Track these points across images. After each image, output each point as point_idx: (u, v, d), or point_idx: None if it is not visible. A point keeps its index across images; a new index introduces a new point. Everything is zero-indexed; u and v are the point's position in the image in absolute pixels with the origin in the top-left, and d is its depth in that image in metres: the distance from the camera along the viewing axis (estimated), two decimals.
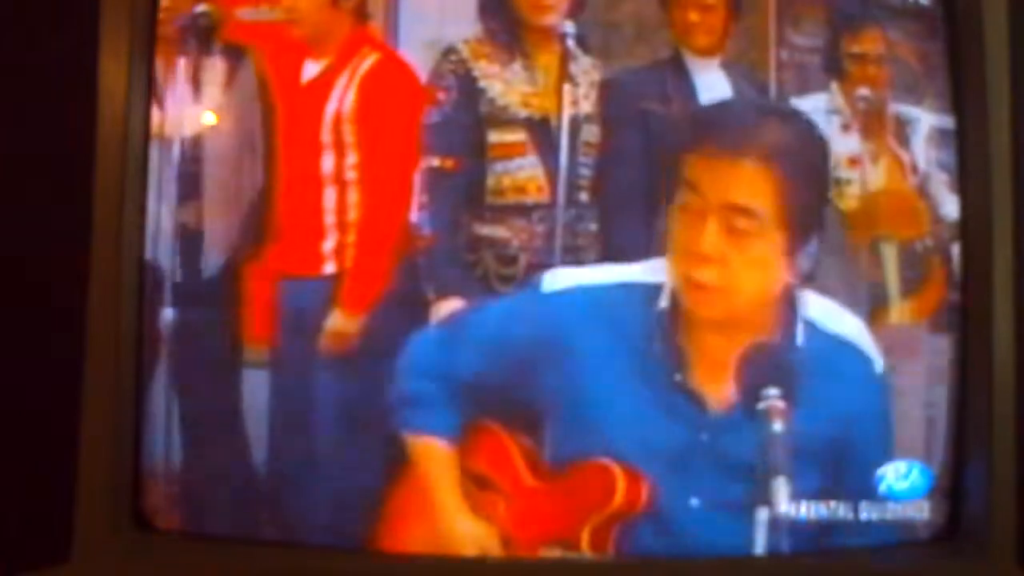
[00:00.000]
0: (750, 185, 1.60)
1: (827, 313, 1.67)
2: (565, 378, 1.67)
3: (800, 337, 1.65)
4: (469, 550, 1.69)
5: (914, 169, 1.77)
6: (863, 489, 1.66)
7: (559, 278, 1.72)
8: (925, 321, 1.75)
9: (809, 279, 1.65)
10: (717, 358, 1.64)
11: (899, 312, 1.77)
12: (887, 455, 1.68)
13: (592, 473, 1.66)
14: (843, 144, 1.79)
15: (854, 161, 1.79)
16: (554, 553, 1.67)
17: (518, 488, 1.70)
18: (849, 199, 1.79)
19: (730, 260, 1.61)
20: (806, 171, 1.65)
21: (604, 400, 1.66)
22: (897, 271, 1.78)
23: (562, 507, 1.67)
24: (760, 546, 1.60)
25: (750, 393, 1.62)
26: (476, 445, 1.71)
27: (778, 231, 1.61)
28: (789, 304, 1.65)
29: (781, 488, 1.58)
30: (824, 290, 1.67)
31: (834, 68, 1.81)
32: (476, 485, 1.70)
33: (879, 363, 1.68)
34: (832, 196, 1.75)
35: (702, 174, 1.61)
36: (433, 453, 1.70)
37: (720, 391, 1.65)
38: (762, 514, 1.59)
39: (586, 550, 1.66)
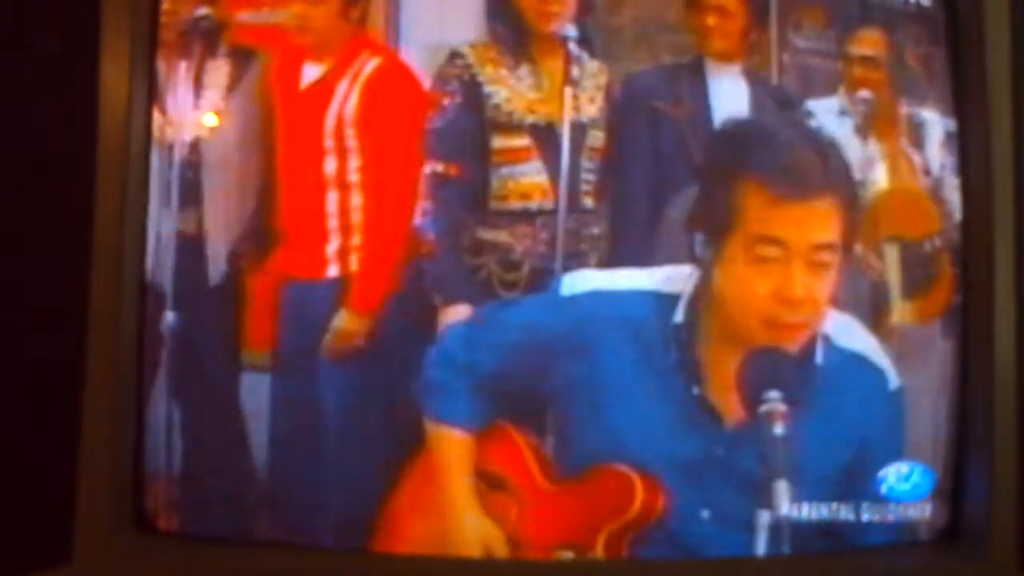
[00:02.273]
0: (827, 220, 1.61)
1: (843, 328, 1.68)
2: (584, 382, 1.67)
3: (813, 349, 1.65)
4: (476, 547, 1.69)
5: (926, 171, 1.78)
6: (865, 490, 1.67)
7: (581, 281, 1.72)
8: (933, 323, 1.76)
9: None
10: (734, 370, 1.65)
11: (907, 313, 1.79)
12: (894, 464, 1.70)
13: (610, 479, 1.66)
14: (855, 146, 1.79)
15: (866, 163, 1.80)
16: (568, 556, 1.67)
17: (531, 490, 1.70)
18: (862, 200, 1.79)
19: (820, 296, 1.63)
20: (852, 190, 1.66)
21: (620, 407, 1.66)
22: (907, 272, 1.79)
23: (577, 512, 1.67)
24: (762, 547, 1.61)
25: (752, 396, 1.62)
26: (491, 446, 1.71)
27: (846, 250, 1.64)
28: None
29: (783, 491, 1.59)
30: (839, 302, 1.68)
31: (845, 71, 1.83)
32: (489, 486, 1.70)
33: (893, 381, 1.68)
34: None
35: (782, 226, 1.60)
36: (451, 442, 1.70)
37: (736, 405, 1.65)
38: (764, 517, 1.60)
39: (601, 556, 1.66)
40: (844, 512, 1.67)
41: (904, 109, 1.80)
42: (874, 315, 1.76)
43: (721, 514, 1.65)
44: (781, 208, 1.60)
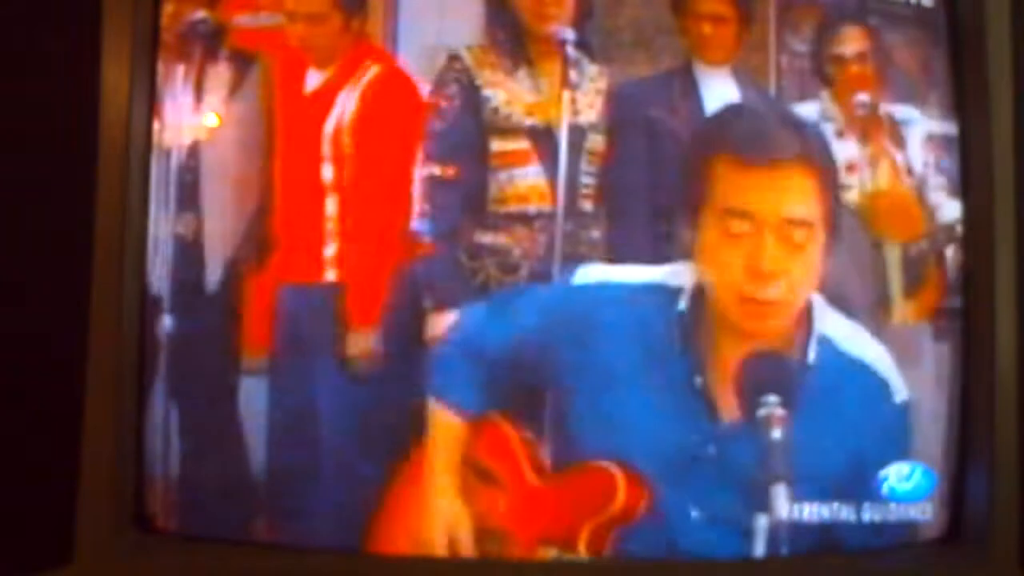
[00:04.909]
0: (798, 193, 1.62)
1: (847, 334, 1.68)
2: (585, 371, 1.67)
3: (814, 351, 1.66)
4: (463, 536, 1.69)
5: (910, 171, 1.78)
6: (866, 491, 1.67)
7: (593, 271, 1.73)
8: (923, 325, 1.75)
9: (828, 285, 1.67)
10: (733, 366, 1.65)
11: (900, 315, 1.78)
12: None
13: (593, 475, 1.66)
14: (840, 150, 1.78)
15: (851, 167, 1.79)
16: (551, 552, 1.68)
17: (520, 485, 1.70)
18: (848, 204, 1.79)
19: (792, 273, 1.62)
20: (830, 172, 1.67)
21: (619, 397, 1.66)
22: (897, 274, 1.79)
23: (562, 507, 1.68)
24: (760, 550, 1.60)
25: (751, 399, 1.62)
26: (483, 439, 1.71)
27: (824, 235, 1.63)
28: (811, 314, 1.66)
29: (780, 497, 1.58)
30: (843, 305, 1.68)
31: (825, 72, 1.82)
32: (479, 479, 1.71)
33: (900, 393, 1.68)
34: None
35: (748, 196, 1.61)
36: (447, 425, 1.71)
37: (732, 400, 1.65)
38: (761, 521, 1.59)
39: (583, 551, 1.67)
40: (844, 512, 1.66)
41: (896, 109, 1.79)
42: (867, 315, 1.76)
43: (712, 513, 1.64)
44: (749, 174, 1.61)
